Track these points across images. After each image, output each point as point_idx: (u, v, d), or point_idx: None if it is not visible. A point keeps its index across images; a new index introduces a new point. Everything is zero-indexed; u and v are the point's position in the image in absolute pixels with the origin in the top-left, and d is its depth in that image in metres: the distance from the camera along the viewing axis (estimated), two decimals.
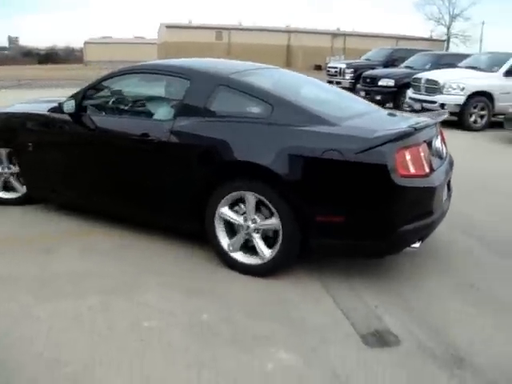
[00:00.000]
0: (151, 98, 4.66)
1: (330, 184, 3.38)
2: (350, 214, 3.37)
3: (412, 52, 17.89)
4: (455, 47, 55.81)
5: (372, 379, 2.64)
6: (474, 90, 11.85)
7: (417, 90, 12.92)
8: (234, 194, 3.66)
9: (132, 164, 4.16)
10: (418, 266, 3.97)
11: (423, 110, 11.88)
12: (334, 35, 58.13)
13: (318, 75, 34.08)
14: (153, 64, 4.59)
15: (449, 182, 4.09)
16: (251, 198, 3.58)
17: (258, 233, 3.68)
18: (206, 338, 2.95)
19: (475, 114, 11.94)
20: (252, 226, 3.66)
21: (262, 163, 3.45)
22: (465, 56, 15.40)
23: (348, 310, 3.32)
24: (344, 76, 18.74)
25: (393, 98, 14.79)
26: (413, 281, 3.73)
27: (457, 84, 11.89)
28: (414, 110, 12.67)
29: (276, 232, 3.58)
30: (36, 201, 5.18)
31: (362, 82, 16.03)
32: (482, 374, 2.71)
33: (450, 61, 14.99)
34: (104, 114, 4.56)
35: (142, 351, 2.79)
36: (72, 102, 4.45)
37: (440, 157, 3.89)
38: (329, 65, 21.91)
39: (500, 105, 11.85)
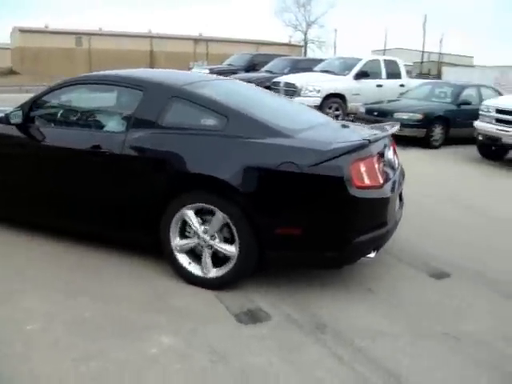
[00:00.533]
0: (103, 110, 4.52)
1: (286, 196, 3.39)
2: (307, 226, 3.40)
3: (271, 57, 18.83)
4: (312, 52, 58.85)
5: (247, 350, 2.98)
6: (329, 91, 12.87)
7: (277, 92, 13.67)
8: (192, 206, 3.60)
9: (82, 177, 4.04)
10: None
11: None
12: (197, 41, 58.75)
13: None
14: (104, 74, 4.42)
15: (400, 192, 4.19)
16: (218, 213, 3.50)
17: (210, 249, 3.63)
18: (90, 333, 3.10)
19: (330, 114, 12.88)
20: (208, 240, 3.62)
21: (217, 176, 3.43)
22: (320, 61, 16.57)
23: (222, 295, 3.62)
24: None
25: None
26: (285, 271, 4.02)
27: (313, 87, 12.81)
28: None
29: (228, 257, 3.58)
30: None
31: None
32: (341, 335, 3.19)
33: (307, 65, 16.04)
34: (53, 125, 4.42)
35: (27, 354, 2.87)
36: (19, 113, 4.30)
37: (392, 167, 3.95)
38: (192, 70, 22.22)
39: (351, 105, 12.99)
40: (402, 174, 4.28)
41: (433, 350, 3.07)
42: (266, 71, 16.74)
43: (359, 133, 3.96)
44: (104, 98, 4.52)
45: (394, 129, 4.15)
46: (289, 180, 3.36)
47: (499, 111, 9.69)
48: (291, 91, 13.07)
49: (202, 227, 3.63)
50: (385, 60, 14.60)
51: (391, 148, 4.10)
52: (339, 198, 3.34)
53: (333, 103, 12.92)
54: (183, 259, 3.75)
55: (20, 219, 4.67)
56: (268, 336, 3.14)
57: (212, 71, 19.19)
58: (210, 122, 3.73)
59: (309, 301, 3.61)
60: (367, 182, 3.40)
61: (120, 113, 4.23)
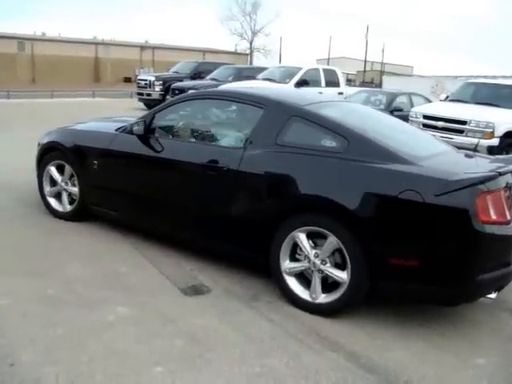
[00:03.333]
0: (222, 125, 4.56)
1: (406, 226, 3.26)
2: (425, 258, 3.22)
3: (217, 65, 19.51)
4: (258, 60, 59.83)
5: (192, 315, 3.52)
6: None
7: None
8: (305, 229, 3.57)
9: (197, 189, 4.16)
10: None
11: None
12: (143, 48, 58.67)
13: (127, 87, 34.17)
14: (225, 90, 4.59)
15: None
16: (331, 237, 3.44)
17: (320, 273, 3.56)
18: (54, 305, 3.55)
19: None
20: (318, 264, 3.55)
21: (334, 199, 3.39)
22: (263, 69, 17.26)
23: (169, 274, 4.16)
24: (154, 88, 19.50)
25: None
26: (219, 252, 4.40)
27: None
28: None
29: (338, 283, 3.50)
30: (86, 217, 5.26)
31: (171, 94, 16.83)
32: (272, 303, 3.77)
33: (251, 73, 16.74)
34: (171, 137, 4.58)
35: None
36: (142, 124, 4.56)
37: None
38: (139, 77, 22.44)
39: None
40: None
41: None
42: (211, 79, 17.31)
43: (485, 164, 3.72)
44: (224, 114, 4.62)
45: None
46: (410, 209, 3.22)
47: (425, 117, 10.64)
48: None
49: (313, 251, 3.57)
50: (324, 69, 15.51)
51: None
52: (463, 232, 3.14)
53: None
54: (291, 282, 3.70)
55: (129, 223, 4.96)
56: (209, 304, 3.69)
57: (158, 78, 19.62)
58: (329, 143, 3.69)
59: (244, 276, 4.16)
60: (494, 216, 3.19)
61: (239, 129, 4.24)
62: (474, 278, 3.19)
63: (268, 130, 3.90)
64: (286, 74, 14.75)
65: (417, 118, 10.88)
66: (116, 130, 4.89)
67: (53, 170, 5.36)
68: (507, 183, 3.39)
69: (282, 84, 14.18)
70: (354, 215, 3.32)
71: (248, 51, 62.43)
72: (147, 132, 4.57)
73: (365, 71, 53.50)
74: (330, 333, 3.39)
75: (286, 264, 3.70)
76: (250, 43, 62.38)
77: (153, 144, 4.50)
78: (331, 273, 3.50)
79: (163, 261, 4.42)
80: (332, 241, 3.43)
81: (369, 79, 50.99)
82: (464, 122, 9.93)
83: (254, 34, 62.11)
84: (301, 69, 14.71)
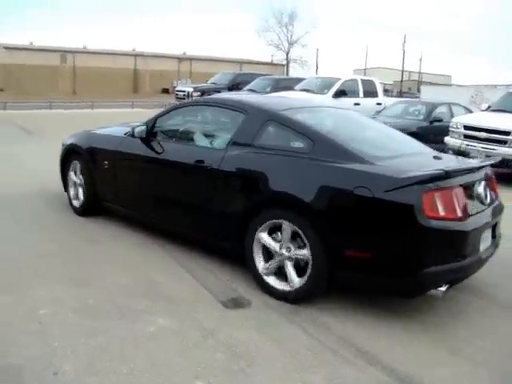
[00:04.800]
0: (210, 128, 5.01)
1: (358, 220, 3.53)
2: (376, 250, 3.48)
3: (254, 76, 19.56)
4: (294, 71, 59.85)
5: (232, 328, 3.49)
6: None
7: None
8: (272, 222, 3.90)
9: (187, 187, 4.60)
10: None
11: None
12: (181, 59, 59.38)
13: (165, 98, 34.63)
14: (214, 98, 5.26)
15: (494, 228, 4.08)
16: (287, 227, 3.81)
17: (291, 261, 3.86)
18: (95, 315, 3.57)
19: None
20: (286, 253, 3.87)
21: (297, 195, 3.73)
22: (300, 80, 17.23)
23: (208, 285, 4.15)
24: (192, 99, 19.66)
25: None
26: None
27: None
28: None
29: (306, 263, 3.77)
30: (95, 212, 5.82)
31: None
32: (312, 318, 3.72)
33: (288, 84, 16.73)
34: (168, 140, 5.04)
35: (42, 331, 3.33)
36: (143, 128, 5.08)
37: (482, 202, 3.88)
38: (177, 88, 22.79)
39: None
40: (497, 210, 4.16)
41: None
42: (249, 90, 17.35)
43: (446, 164, 3.85)
44: (212, 119, 5.06)
45: (489, 162, 4.15)
46: (362, 204, 3.50)
47: (466, 127, 10.39)
48: None
49: (278, 244, 3.91)
50: (362, 79, 15.38)
51: (483, 182, 3.96)
52: (409, 226, 3.36)
53: None
54: (270, 280, 4.01)
55: (133, 217, 5.44)
56: (249, 317, 3.65)
57: (196, 89, 19.80)
58: (298, 144, 4.04)
59: None
60: (442, 213, 3.41)
61: (225, 132, 4.62)
62: (422, 270, 3.38)
63: (247, 133, 4.31)
64: (324, 85, 14.68)
65: (457, 128, 10.64)
66: (124, 134, 5.37)
67: (73, 169, 5.98)
68: (465, 182, 3.67)
69: (320, 95, 14.12)
70: (312, 209, 3.67)
71: (284, 62, 62.53)
72: (149, 135, 5.08)
73: (402, 81, 53.00)
74: (368, 347, 3.34)
75: (262, 265, 4.03)
76: (287, 54, 62.47)
77: (153, 146, 4.98)
78: (296, 254, 3.81)
79: (201, 271, 4.44)
80: (286, 227, 3.80)
81: (406, 89, 50.48)
82: (507, 133, 9.66)
83: (291, 44, 62.22)
84: (339, 79, 14.62)
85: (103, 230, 5.46)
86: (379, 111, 13.85)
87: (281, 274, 3.97)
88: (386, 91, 21.71)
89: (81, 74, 53.60)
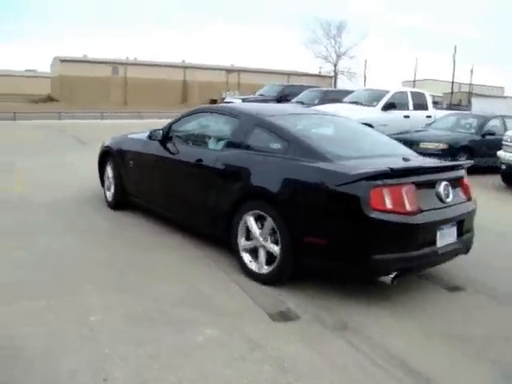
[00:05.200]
0: (212, 132, 5.64)
1: (316, 210, 4.05)
2: (331, 238, 3.97)
3: (302, 88, 19.53)
4: (342, 83, 59.58)
5: (280, 341, 3.47)
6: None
7: None
8: (256, 212, 4.46)
9: (190, 181, 5.31)
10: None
11: None
12: (229, 71, 60.07)
13: None
14: (217, 106, 6.03)
15: (460, 226, 4.42)
16: (269, 219, 4.33)
17: (264, 249, 4.41)
18: (144, 324, 3.61)
19: None
20: (262, 242, 4.40)
21: (269, 188, 4.33)
22: (349, 92, 17.12)
23: (256, 297, 4.15)
24: None
25: None
26: (312, 276, 4.51)
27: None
28: None
29: (275, 254, 4.32)
30: (123, 206, 6.59)
31: None
32: (361, 333, 3.67)
33: (336, 96, 16.61)
34: (179, 142, 5.73)
35: (92, 337, 3.40)
36: (160, 132, 5.85)
37: (441, 200, 4.24)
38: (225, 100, 22.82)
39: None
40: (468, 211, 4.55)
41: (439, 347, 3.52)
42: (297, 102, 17.32)
43: (405, 165, 4.32)
44: (215, 124, 5.68)
45: (450, 163, 4.82)
46: (319, 196, 4.06)
47: None
48: None
49: (259, 231, 4.45)
50: (412, 92, 15.10)
51: (444, 183, 4.30)
52: (357, 217, 3.82)
53: None
54: (246, 257, 4.61)
55: (150, 209, 6.21)
56: (298, 331, 3.62)
57: (244, 101, 19.92)
58: (276, 146, 4.64)
59: (333, 303, 4.11)
60: (390, 206, 3.82)
61: (223, 135, 5.29)
62: (370, 258, 3.82)
63: (238, 136, 4.98)
64: (373, 97, 14.50)
65: (511, 142, 10.33)
66: (147, 137, 6.12)
67: (107, 168, 6.82)
68: (421, 181, 4.12)
69: (368, 107, 13.97)
70: (282, 202, 4.23)
71: (332, 74, 62.35)
72: (165, 138, 5.80)
73: (452, 93, 51.94)
74: (420, 366, 3.28)
75: (243, 242, 4.62)
76: (335, 66, 62.28)
77: (167, 147, 5.72)
78: (270, 247, 4.35)
79: (249, 283, 4.44)
80: (269, 221, 4.32)
81: (456, 101, 49.42)
82: None
83: (339, 56, 62.02)
84: (388, 92, 14.39)
85: (154, 239, 5.54)
86: (429, 124, 13.58)
87: (255, 255, 4.54)
88: (435, 103, 21.28)
89: (132, 85, 54.94)
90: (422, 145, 11.22)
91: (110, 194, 6.76)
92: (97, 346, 3.28)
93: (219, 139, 5.29)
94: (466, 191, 4.68)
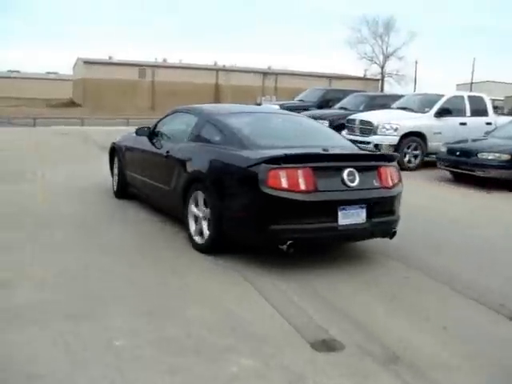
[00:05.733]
0: (182, 128, 7.09)
1: (232, 188, 5.56)
2: (242, 211, 5.43)
3: (346, 92, 19.44)
4: (389, 86, 59.26)
5: (322, 374, 3.41)
6: (407, 130, 13.23)
7: (351, 131, 14.11)
8: (196, 193, 5.93)
9: (163, 170, 6.83)
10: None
11: None
12: (265, 74, 60.31)
13: None
14: (187, 107, 7.57)
15: (370, 209, 5.51)
16: (200, 195, 5.87)
17: (205, 220, 5.80)
18: (174, 350, 3.62)
19: (409, 153, 13.22)
20: (201, 215, 5.86)
21: (203, 171, 5.90)
22: (397, 97, 16.98)
23: (296, 323, 4.12)
24: None
25: None
26: (348, 295, 4.66)
27: (390, 125, 13.21)
28: None
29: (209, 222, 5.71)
30: (125, 196, 8.37)
31: None
32: (413, 366, 3.57)
33: (383, 101, 16.48)
34: (161, 137, 7.41)
35: (118, 365, 3.40)
36: (146, 129, 7.63)
37: (344, 184, 5.39)
38: (261, 106, 22.92)
39: (432, 144, 13.22)
40: (381, 196, 5.67)
41: None
42: (340, 108, 17.25)
43: (304, 151, 5.56)
44: (185, 121, 7.13)
45: (348, 152, 6.17)
46: (233, 176, 5.56)
47: None
48: (367, 129, 13.48)
49: (202, 207, 5.85)
50: (469, 96, 14.78)
51: (349, 169, 5.41)
52: (257, 193, 5.16)
53: (411, 142, 13.24)
54: (192, 225, 6.03)
55: (139, 195, 8.00)
56: (342, 363, 3.56)
57: (282, 107, 19.93)
58: (217, 138, 6.20)
59: (381, 332, 4.06)
60: (285, 185, 5.12)
61: (186, 130, 6.85)
62: (268, 228, 5.15)
63: (195, 131, 6.61)
64: (425, 103, 14.29)
65: None
66: (134, 134, 7.98)
67: (114, 163, 8.72)
68: (321, 166, 5.34)
69: (420, 114, 13.80)
70: (210, 182, 5.73)
71: (379, 76, 62.05)
72: (152, 134, 7.52)
73: None
74: None
75: (192, 208, 6.03)
76: (382, 67, 62.03)
77: (152, 142, 7.42)
78: (205, 214, 5.78)
79: (287, 306, 4.45)
80: (200, 196, 5.87)
81: None
82: None
83: (386, 57, 61.81)
84: (442, 96, 14.16)
85: (183, 259, 5.67)
86: (489, 132, 13.06)
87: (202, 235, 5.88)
88: (496, 108, 20.93)
89: (160, 89, 55.67)
90: (480, 155, 11.01)
91: (115, 185, 8.62)
92: (122, 372, 3.29)
93: (184, 134, 6.82)
94: (384, 178, 5.71)
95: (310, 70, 61.41)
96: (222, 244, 5.68)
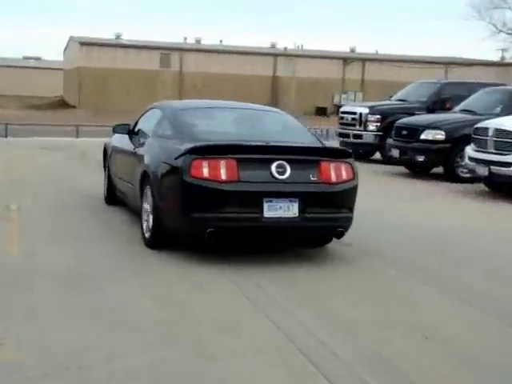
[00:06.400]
0: (153, 124, 9.41)
1: (164, 180, 7.78)
2: (171, 200, 7.65)
3: (471, 87, 18.75)
4: None
5: None
6: None
7: (481, 146, 13.60)
8: (147, 185, 8.18)
9: (131, 166, 9.27)
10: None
11: (492, 176, 13.02)
12: (347, 60, 59.81)
13: (322, 123, 33.95)
14: (159, 103, 10.51)
15: (303, 204, 7.41)
16: (148, 190, 8.09)
17: (152, 214, 7.95)
18: None
19: None
20: (149, 210, 8.04)
21: (149, 164, 8.23)
22: None
23: None
24: (366, 126, 19.64)
25: (444, 159, 15.60)
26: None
27: None
28: (475, 178, 13.77)
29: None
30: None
31: (394, 136, 16.86)
32: None
33: None
34: (137, 134, 9.91)
35: None
36: (127, 127, 10.18)
37: (272, 176, 7.34)
38: (342, 109, 22.85)
39: None
40: (316, 191, 7.59)
41: None
42: (463, 110, 16.62)
43: (228, 143, 7.81)
44: (154, 118, 9.60)
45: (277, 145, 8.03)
46: (166, 167, 7.70)
47: None
48: (507, 144, 12.86)
49: (151, 201, 8.01)
50: None
51: (278, 162, 7.35)
52: (181, 182, 7.26)
53: None
54: (144, 222, 8.29)
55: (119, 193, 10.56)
56: None
57: (373, 111, 19.51)
58: (170, 132, 8.56)
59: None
60: (206, 175, 7.17)
61: (154, 126, 9.25)
62: (190, 215, 7.23)
63: (156, 126, 9.11)
64: None
65: None
66: (112, 131, 11.07)
67: (106, 164, 11.63)
68: (245, 157, 7.38)
69: None
70: (153, 175, 7.97)
71: None
72: (130, 132, 10.04)
73: None
74: None
75: (144, 205, 8.25)
76: None
77: (130, 139, 9.87)
78: (149, 209, 8.07)
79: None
80: (148, 190, 8.11)
81: None
82: None
83: None
84: None
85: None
86: None
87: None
88: None
89: (190, 84, 55.73)
90: None
91: (105, 190, 11.41)
92: None
93: (150, 131, 9.26)
94: (325, 174, 7.57)
95: (413, 54, 60.83)
96: (162, 238, 7.97)
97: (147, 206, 8.10)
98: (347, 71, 58.56)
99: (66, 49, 65.42)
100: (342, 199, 7.72)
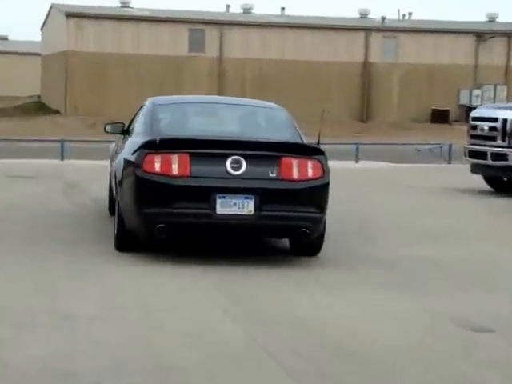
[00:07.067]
0: (139, 122, 14.30)
1: (126, 176, 12.42)
2: (126, 197, 12.12)
3: None
4: None
5: None
6: None
7: None
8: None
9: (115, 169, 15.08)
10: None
11: None
12: (482, 36, 59.18)
13: (440, 133, 34.37)
14: (153, 98, 15.77)
15: (260, 201, 10.54)
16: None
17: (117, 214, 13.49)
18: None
19: None
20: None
21: (117, 163, 13.91)
22: None
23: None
24: (511, 140, 19.35)
25: None
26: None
27: None
28: None
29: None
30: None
31: None
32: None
33: None
34: (128, 134, 14.97)
35: None
36: (121, 126, 16.01)
37: (227, 172, 10.61)
38: (474, 113, 22.62)
39: None
40: (274, 187, 10.85)
41: None
42: None
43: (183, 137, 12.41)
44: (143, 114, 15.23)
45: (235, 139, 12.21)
46: (126, 163, 12.76)
47: None
48: None
49: None
50: None
51: (233, 158, 10.61)
52: (134, 177, 11.86)
53: None
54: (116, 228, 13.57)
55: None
56: None
57: None
58: (141, 128, 13.80)
59: None
60: (158, 170, 11.37)
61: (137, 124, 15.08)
62: (142, 211, 11.70)
63: (137, 123, 14.93)
64: None
65: None
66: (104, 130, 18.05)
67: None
68: (197, 152, 11.84)
69: None
70: (117, 172, 14.24)
71: None
72: (123, 132, 15.76)
73: None
74: None
75: (116, 228, 13.76)
76: None
77: (123, 138, 15.63)
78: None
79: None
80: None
81: None
82: None
83: None
84: None
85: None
86: None
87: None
88: None
89: (233, 75, 55.56)
90: None
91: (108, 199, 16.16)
92: None
93: (141, 127, 13.52)
94: (286, 170, 10.71)
95: None
96: (128, 239, 11.28)
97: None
98: (482, 53, 57.95)
99: (44, 24, 66.15)
100: (307, 198, 10.63)
